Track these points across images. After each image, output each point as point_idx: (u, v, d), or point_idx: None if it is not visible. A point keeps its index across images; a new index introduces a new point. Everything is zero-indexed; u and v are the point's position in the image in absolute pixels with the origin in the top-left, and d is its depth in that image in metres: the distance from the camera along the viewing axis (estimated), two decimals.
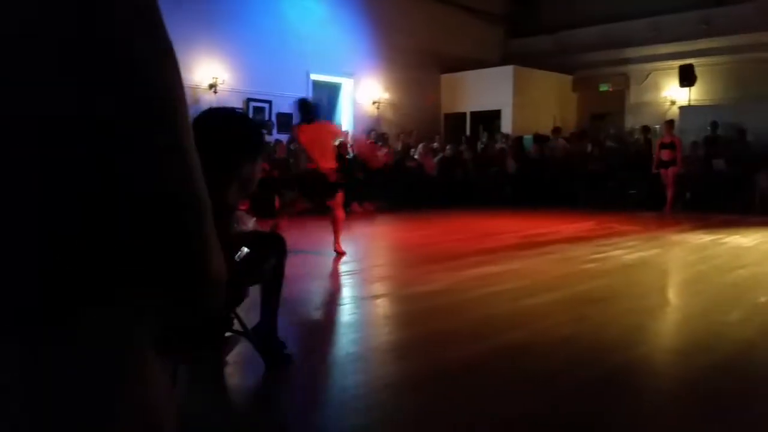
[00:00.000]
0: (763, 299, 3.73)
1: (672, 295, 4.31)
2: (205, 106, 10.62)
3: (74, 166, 0.56)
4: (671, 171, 10.02)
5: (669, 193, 10.06)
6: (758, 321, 3.23)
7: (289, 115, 11.46)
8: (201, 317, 0.69)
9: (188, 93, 8.83)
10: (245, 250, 2.24)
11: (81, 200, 0.56)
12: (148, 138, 0.59)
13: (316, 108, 5.44)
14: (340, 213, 5.33)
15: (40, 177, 0.56)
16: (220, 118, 2.24)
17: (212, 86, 10.44)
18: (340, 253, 5.30)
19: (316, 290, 4.10)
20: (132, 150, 0.58)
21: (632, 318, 3.33)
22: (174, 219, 0.60)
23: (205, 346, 2.02)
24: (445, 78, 14.73)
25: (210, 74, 10.43)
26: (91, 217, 0.57)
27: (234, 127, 2.22)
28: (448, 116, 14.87)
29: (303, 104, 5.40)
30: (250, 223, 2.34)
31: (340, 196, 5.27)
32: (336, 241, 5.34)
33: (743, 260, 5.22)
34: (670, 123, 10.62)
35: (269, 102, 11.22)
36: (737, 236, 6.85)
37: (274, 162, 9.36)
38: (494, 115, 14.10)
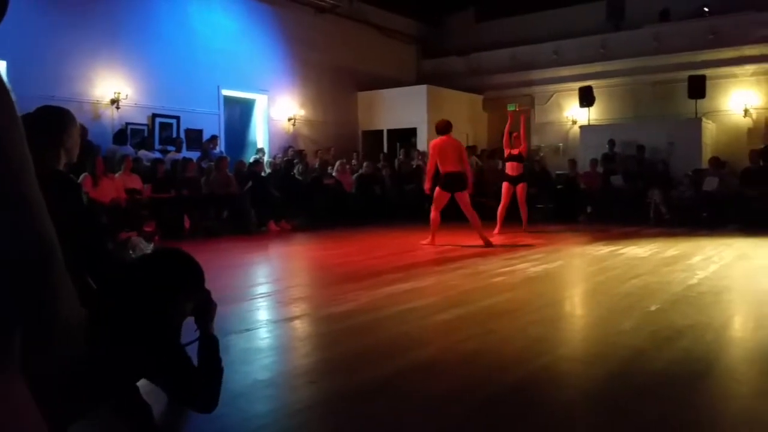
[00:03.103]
0: (653, 308, 4.00)
1: (572, 306, 4.54)
2: (107, 122, 10.22)
3: None
4: (521, 188, 8.92)
5: (523, 211, 9.14)
6: (648, 329, 3.45)
7: (198, 131, 11.16)
8: (55, 365, 0.66)
9: (88, 109, 8.47)
10: (142, 245, 2.10)
11: None
12: None
13: None
14: None
15: None
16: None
17: (114, 101, 9.99)
18: None
19: (227, 315, 3.96)
20: None
21: (535, 329, 3.47)
22: (16, 269, 0.57)
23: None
24: (362, 95, 14.91)
25: (112, 89, 9.98)
26: None
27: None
28: (365, 133, 15.03)
29: None
30: (148, 250, 2.22)
31: None
32: None
33: (638, 270, 5.58)
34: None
35: (177, 118, 10.86)
36: (633, 247, 7.33)
37: (184, 181, 9.06)
38: (410, 133, 14.41)
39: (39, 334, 0.62)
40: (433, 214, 7.48)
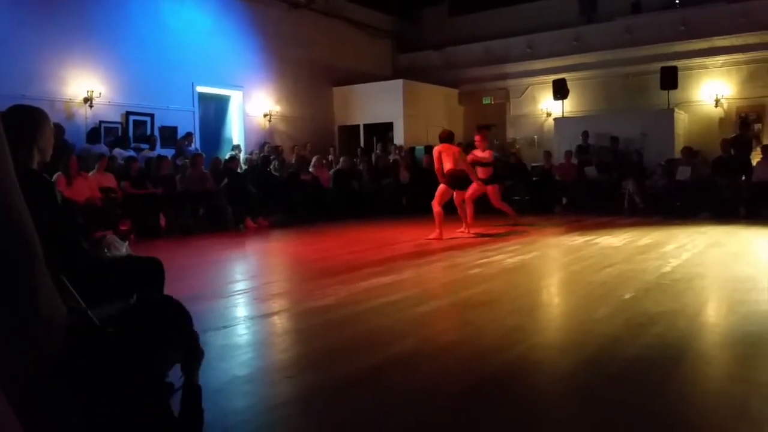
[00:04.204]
0: (627, 296, 4.07)
1: (548, 295, 4.60)
2: (80, 121, 10.03)
3: None
4: (491, 189, 8.52)
5: (505, 208, 8.91)
6: (623, 317, 3.51)
7: (173, 129, 11.02)
8: (36, 362, 0.66)
9: (61, 108, 8.31)
10: (117, 244, 2.02)
11: None
12: None
13: None
14: None
15: None
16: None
17: (87, 100, 9.81)
18: None
19: (205, 312, 3.93)
20: None
21: (512, 319, 3.51)
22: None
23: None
24: (338, 90, 14.85)
25: (85, 87, 9.79)
26: None
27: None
28: (342, 128, 14.98)
29: None
30: (123, 248, 2.17)
31: None
32: None
33: (612, 259, 5.66)
34: (484, 131, 8.95)
35: (151, 115, 10.70)
36: (608, 237, 7.44)
37: (159, 178, 8.94)
38: (387, 127, 14.39)
39: (21, 332, 0.63)
40: (437, 209, 7.62)
